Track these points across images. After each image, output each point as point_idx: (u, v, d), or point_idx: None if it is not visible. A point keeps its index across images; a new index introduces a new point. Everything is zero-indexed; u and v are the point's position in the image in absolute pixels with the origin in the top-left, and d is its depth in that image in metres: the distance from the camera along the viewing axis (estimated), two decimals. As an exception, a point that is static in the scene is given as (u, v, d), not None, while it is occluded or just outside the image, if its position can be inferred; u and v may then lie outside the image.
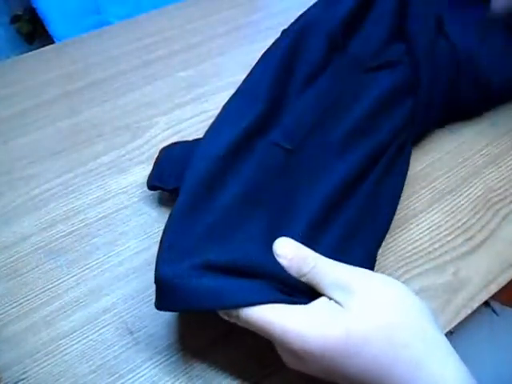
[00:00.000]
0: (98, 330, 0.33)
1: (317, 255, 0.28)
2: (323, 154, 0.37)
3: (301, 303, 0.27)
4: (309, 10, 0.50)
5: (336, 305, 0.26)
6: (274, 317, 0.26)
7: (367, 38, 0.45)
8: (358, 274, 0.27)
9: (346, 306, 0.25)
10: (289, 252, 0.28)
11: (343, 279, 0.26)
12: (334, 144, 0.37)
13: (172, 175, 0.38)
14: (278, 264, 0.29)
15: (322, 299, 0.27)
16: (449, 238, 0.37)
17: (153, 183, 0.38)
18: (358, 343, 0.24)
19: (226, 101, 0.45)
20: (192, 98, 0.49)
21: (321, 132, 0.38)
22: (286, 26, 0.51)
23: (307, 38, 0.43)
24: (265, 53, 0.46)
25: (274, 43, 0.48)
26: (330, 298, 0.26)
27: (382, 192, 0.36)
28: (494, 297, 0.35)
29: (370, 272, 0.28)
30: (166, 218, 0.38)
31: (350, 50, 0.44)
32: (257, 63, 0.45)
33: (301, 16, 0.50)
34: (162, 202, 0.40)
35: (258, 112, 0.37)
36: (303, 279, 0.28)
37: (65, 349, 0.32)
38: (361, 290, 0.26)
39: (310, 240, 0.32)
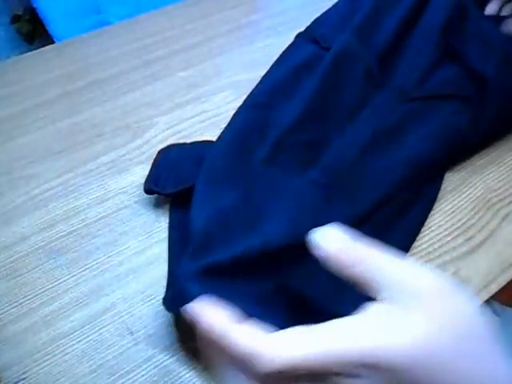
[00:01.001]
0: (98, 330, 0.33)
1: (372, 248, 0.23)
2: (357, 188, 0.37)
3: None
4: (325, 17, 0.50)
5: (400, 310, 0.21)
6: (342, 341, 0.21)
7: (409, 66, 0.44)
8: (426, 276, 0.22)
9: (415, 312, 0.21)
10: (335, 243, 0.24)
11: (409, 280, 0.22)
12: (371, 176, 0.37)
13: (169, 180, 0.38)
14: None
15: (377, 306, 0.22)
16: (449, 238, 0.37)
17: (149, 187, 0.38)
18: (438, 355, 0.20)
19: (226, 101, 0.46)
20: (192, 97, 0.49)
21: (360, 168, 0.38)
22: (285, 26, 0.51)
23: (343, 75, 0.42)
24: (273, 69, 0.46)
25: (283, 57, 0.48)
26: (386, 301, 0.22)
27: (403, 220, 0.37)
28: (494, 297, 0.35)
29: (437, 274, 0.23)
30: (166, 218, 0.39)
31: (391, 82, 0.43)
32: (266, 76, 0.45)
33: (317, 23, 0.49)
34: (161, 202, 0.40)
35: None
36: (348, 273, 0.23)
37: (65, 349, 0.32)
38: (431, 294, 0.22)
39: None
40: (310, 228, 0.33)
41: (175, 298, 0.29)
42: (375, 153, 0.39)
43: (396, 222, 0.36)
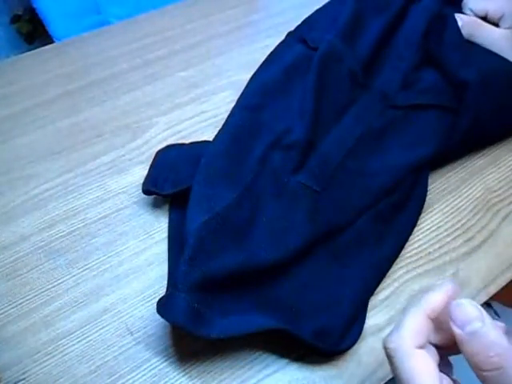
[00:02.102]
0: (98, 330, 0.33)
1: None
2: (348, 197, 0.37)
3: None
4: (315, 19, 0.50)
5: None
6: None
7: (391, 70, 0.44)
8: None
9: None
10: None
11: None
12: (358, 186, 0.38)
13: (167, 181, 0.38)
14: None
15: None
16: (448, 239, 0.38)
17: (147, 188, 0.38)
18: None
19: (226, 101, 0.46)
20: (192, 97, 0.49)
21: (345, 172, 0.38)
22: (285, 26, 0.51)
23: (329, 75, 0.43)
24: (263, 69, 0.46)
25: (274, 54, 0.48)
26: None
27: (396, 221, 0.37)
28: (494, 298, 0.35)
29: None
30: (166, 218, 0.39)
31: (375, 84, 0.44)
32: (257, 76, 0.45)
33: (302, 24, 0.50)
34: (161, 202, 0.40)
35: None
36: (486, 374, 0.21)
37: (65, 349, 0.32)
38: None
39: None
40: (296, 242, 0.33)
41: (166, 306, 0.29)
42: (359, 158, 0.39)
43: (383, 228, 0.37)
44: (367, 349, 0.32)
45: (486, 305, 0.36)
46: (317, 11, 0.51)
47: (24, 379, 0.30)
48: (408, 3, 0.48)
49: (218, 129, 0.42)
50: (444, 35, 0.45)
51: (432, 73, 0.44)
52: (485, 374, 0.21)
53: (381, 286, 0.35)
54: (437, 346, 0.25)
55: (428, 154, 0.40)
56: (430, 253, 0.37)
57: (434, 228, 0.38)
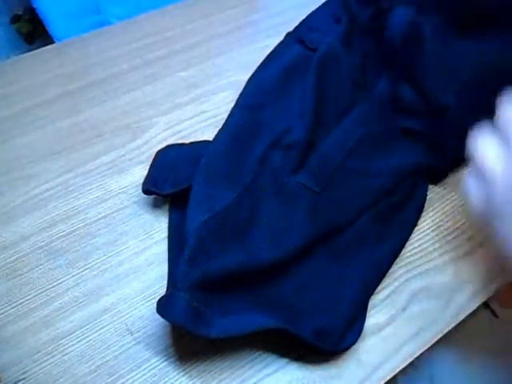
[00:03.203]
0: (98, 330, 0.33)
1: None
2: (347, 196, 0.37)
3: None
4: (313, 20, 0.50)
5: None
6: None
7: (385, 77, 0.44)
8: None
9: None
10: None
11: None
12: (358, 186, 0.38)
13: (167, 180, 0.38)
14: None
15: None
16: (449, 238, 0.38)
17: (147, 188, 0.38)
18: None
19: (226, 101, 0.45)
20: (192, 97, 0.49)
21: (345, 173, 0.38)
22: (285, 27, 0.51)
23: (329, 77, 0.42)
24: (262, 69, 0.46)
25: (273, 54, 0.47)
26: None
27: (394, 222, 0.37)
28: (494, 297, 0.35)
29: None
30: (166, 218, 0.39)
31: (375, 85, 0.43)
32: (256, 76, 0.45)
33: (303, 26, 0.50)
34: (161, 202, 0.40)
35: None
36: None
37: (65, 349, 0.32)
38: None
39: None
40: (296, 242, 0.33)
41: (166, 305, 0.29)
42: (360, 158, 0.39)
43: (383, 228, 0.37)
44: (367, 348, 0.32)
45: (484, 305, 0.36)
46: (314, 12, 0.51)
47: (24, 379, 0.30)
48: (379, 14, 0.47)
49: (218, 129, 0.42)
50: (422, 48, 0.43)
51: (409, 91, 0.42)
52: None
53: (381, 286, 0.35)
54: None
55: (424, 162, 0.40)
56: (430, 252, 0.37)
57: (434, 227, 0.38)
